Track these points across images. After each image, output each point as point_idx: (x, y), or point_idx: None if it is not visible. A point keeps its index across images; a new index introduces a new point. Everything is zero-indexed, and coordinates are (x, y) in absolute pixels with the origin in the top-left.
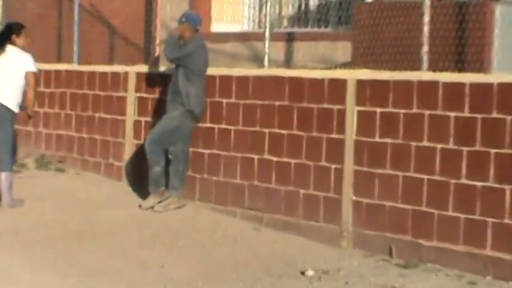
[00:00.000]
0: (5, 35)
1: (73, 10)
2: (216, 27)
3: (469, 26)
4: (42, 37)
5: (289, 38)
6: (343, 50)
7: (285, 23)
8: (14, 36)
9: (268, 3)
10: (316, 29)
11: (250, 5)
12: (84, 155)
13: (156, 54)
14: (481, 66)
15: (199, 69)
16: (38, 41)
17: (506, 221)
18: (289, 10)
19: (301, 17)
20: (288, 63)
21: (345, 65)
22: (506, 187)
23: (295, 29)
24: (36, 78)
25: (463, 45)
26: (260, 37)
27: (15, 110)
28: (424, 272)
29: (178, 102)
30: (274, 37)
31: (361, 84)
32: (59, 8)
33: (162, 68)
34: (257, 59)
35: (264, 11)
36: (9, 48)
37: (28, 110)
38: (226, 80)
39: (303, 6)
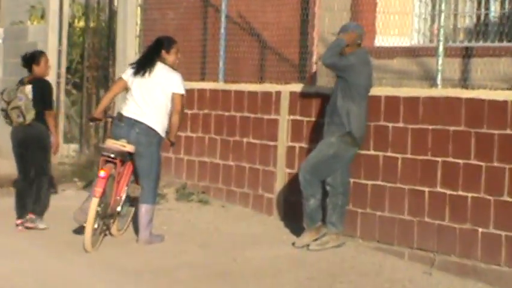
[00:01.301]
0: (155, 51)
1: (219, 21)
2: (381, 40)
3: None
4: (184, 52)
5: (466, 54)
6: None
7: (461, 36)
8: (163, 52)
9: (442, 15)
10: (497, 44)
11: (420, 15)
12: (231, 186)
13: (313, 71)
14: None
15: (362, 87)
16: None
17: None
18: (465, 22)
19: (480, 29)
20: (464, 82)
21: None
22: None
23: (473, 44)
24: (184, 101)
25: None
26: (432, 52)
27: (163, 134)
28: None
29: (336, 125)
30: (448, 52)
31: None
32: (203, 19)
33: (319, 87)
34: (428, 78)
35: (436, 23)
36: (158, 65)
37: (170, 136)
38: (392, 101)
39: (482, 18)
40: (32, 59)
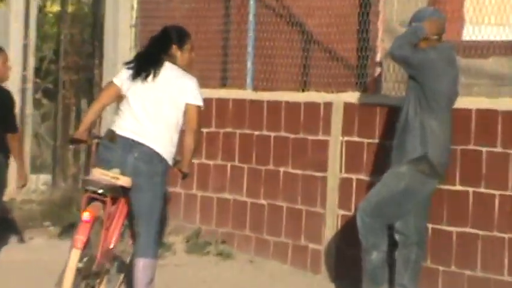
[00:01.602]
0: (162, 46)
1: (246, 5)
2: (471, 32)
3: None
4: (198, 48)
5: None
6: None
7: None
8: (174, 48)
9: None
10: None
11: None
12: (262, 233)
13: (376, 74)
14: None
15: (445, 95)
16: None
17: None
18: None
19: None
20: None
21: None
22: None
23: None
24: (202, 116)
25: None
26: None
27: (170, 161)
28: None
29: (408, 149)
30: None
31: None
32: (224, 3)
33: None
34: None
35: None
36: (166, 66)
37: (183, 164)
38: (488, 116)
39: None
40: None
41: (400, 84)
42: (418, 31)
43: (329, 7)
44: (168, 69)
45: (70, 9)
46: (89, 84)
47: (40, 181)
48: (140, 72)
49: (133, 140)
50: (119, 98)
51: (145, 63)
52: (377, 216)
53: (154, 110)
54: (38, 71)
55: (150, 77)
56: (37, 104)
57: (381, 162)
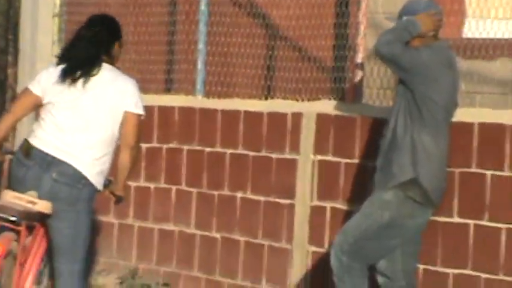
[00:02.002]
0: (103, 43)
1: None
2: (475, 29)
3: None
4: (137, 44)
5: None
6: None
7: None
8: (116, 46)
9: None
10: None
11: None
12: (214, 273)
13: (357, 78)
14: None
15: (441, 105)
16: (129, 51)
17: None
18: None
19: None
20: None
21: None
22: None
23: None
24: (142, 128)
25: None
26: None
27: (99, 185)
28: None
29: (395, 171)
30: None
31: None
32: None
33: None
34: None
35: None
36: (104, 67)
37: (117, 186)
38: (493, 131)
39: None
40: None
41: (386, 91)
42: (411, 26)
43: None
44: (105, 71)
45: None
46: (0, 87)
47: None
48: (70, 74)
49: (53, 157)
50: (38, 107)
51: (80, 64)
52: (356, 254)
53: (84, 120)
54: None
55: (82, 80)
56: None
57: (361, 187)
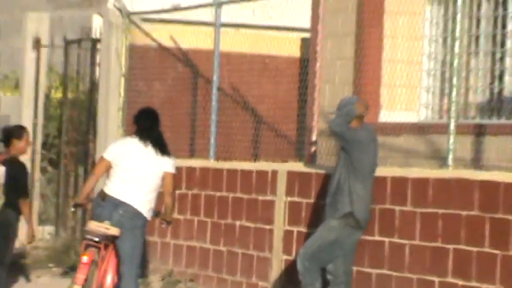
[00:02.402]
0: (151, 129)
1: (210, 93)
2: (387, 116)
3: None
4: (172, 126)
5: (479, 132)
6: None
7: (473, 112)
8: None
9: (454, 89)
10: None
11: (429, 89)
12: (222, 273)
13: (313, 149)
14: None
15: (368, 165)
16: (166, 131)
17: None
18: (478, 97)
19: (494, 105)
20: (476, 162)
21: None
22: None
23: (487, 121)
24: (175, 181)
25: None
26: (442, 130)
27: (149, 217)
28: None
29: (338, 206)
30: (459, 130)
31: None
32: (193, 91)
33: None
34: (437, 157)
35: (446, 97)
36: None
37: (167, 216)
38: (400, 182)
39: (496, 93)
40: (13, 133)
41: (331, 157)
42: (351, 112)
43: (276, 96)
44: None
45: (70, 96)
46: (85, 155)
47: (45, 231)
48: (145, 147)
49: (120, 200)
50: (109, 168)
51: (151, 140)
52: (313, 260)
53: (141, 176)
54: (44, 144)
55: (152, 153)
56: (43, 170)
57: (316, 218)
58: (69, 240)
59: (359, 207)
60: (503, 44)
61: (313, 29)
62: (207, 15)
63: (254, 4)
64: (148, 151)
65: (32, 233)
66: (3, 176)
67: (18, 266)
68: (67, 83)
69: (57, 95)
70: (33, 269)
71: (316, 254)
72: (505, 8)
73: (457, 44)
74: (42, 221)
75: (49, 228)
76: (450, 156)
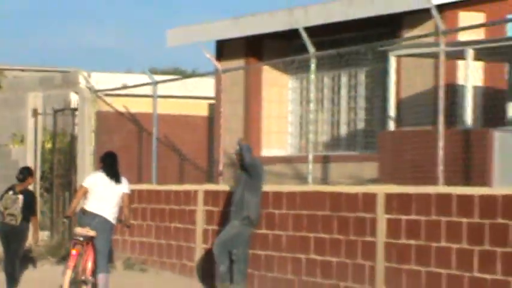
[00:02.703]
0: (116, 165)
1: (151, 141)
2: (266, 152)
3: (473, 149)
4: (127, 163)
5: (325, 160)
6: (368, 169)
7: (321, 148)
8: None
9: (310, 134)
10: (346, 152)
11: (292, 134)
12: (163, 258)
13: (220, 176)
14: (483, 181)
15: (260, 183)
16: (123, 166)
17: None
18: (323, 137)
19: (334, 143)
20: (324, 180)
21: (373, 182)
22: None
23: (329, 153)
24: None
25: (470, 164)
26: (301, 160)
27: (114, 222)
28: None
29: (240, 212)
30: (314, 160)
31: (389, 196)
32: (139, 140)
33: (225, 186)
34: (298, 177)
35: (303, 138)
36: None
37: (126, 222)
38: (277, 195)
39: (335, 134)
40: (30, 172)
41: (230, 180)
42: (250, 150)
43: (193, 141)
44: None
45: (58, 145)
46: (69, 184)
47: (44, 235)
48: (109, 178)
49: (95, 213)
50: (86, 193)
51: (112, 173)
52: (223, 247)
53: (108, 197)
54: (41, 178)
55: (113, 181)
56: (41, 195)
57: (224, 220)
58: (60, 240)
59: (253, 211)
60: (339, 104)
61: (217, 97)
62: (148, 90)
63: (178, 82)
64: (111, 180)
65: (38, 238)
66: (22, 202)
67: (27, 258)
68: (55, 138)
69: (49, 145)
70: (38, 260)
71: (225, 243)
72: (339, 80)
73: (311, 104)
74: (41, 228)
75: (46, 233)
76: (310, 177)
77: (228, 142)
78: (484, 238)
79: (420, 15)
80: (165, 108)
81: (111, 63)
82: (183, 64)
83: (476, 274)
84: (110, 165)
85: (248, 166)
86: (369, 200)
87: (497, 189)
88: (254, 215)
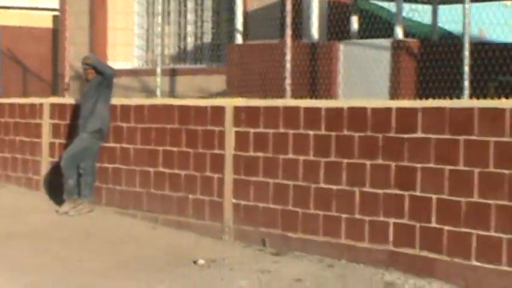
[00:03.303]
0: None
1: None
2: (112, 64)
3: (319, 62)
4: None
5: (173, 73)
6: (216, 82)
7: (168, 61)
8: None
9: (159, 46)
10: (193, 66)
11: (139, 46)
12: (7, 171)
13: (65, 88)
14: (329, 93)
15: (110, 96)
16: None
17: (357, 216)
18: (170, 50)
19: (181, 56)
20: (172, 93)
21: (221, 95)
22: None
23: (177, 66)
24: None
25: (317, 77)
26: (148, 73)
27: None
28: (292, 258)
29: (89, 125)
30: (162, 73)
31: (237, 110)
32: None
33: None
34: (145, 90)
35: (150, 51)
36: None
37: None
38: (126, 108)
39: (182, 47)
40: None
41: (77, 93)
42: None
43: (38, 53)
44: None
45: None
46: None
47: None
48: None
49: None
50: None
51: None
52: (71, 160)
53: None
54: None
55: None
56: None
57: (71, 133)
58: None
59: (105, 124)
60: (185, 17)
61: (62, 9)
62: None
63: None
64: None
65: None
66: None
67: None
68: None
69: None
70: None
71: (73, 156)
72: None
73: (158, 17)
74: None
75: None
76: (158, 90)
77: (73, 55)
78: (331, 150)
79: None
80: (8, 19)
81: None
82: None
83: (323, 185)
84: None
85: (109, 77)
86: (217, 113)
87: (342, 101)
88: (105, 128)
